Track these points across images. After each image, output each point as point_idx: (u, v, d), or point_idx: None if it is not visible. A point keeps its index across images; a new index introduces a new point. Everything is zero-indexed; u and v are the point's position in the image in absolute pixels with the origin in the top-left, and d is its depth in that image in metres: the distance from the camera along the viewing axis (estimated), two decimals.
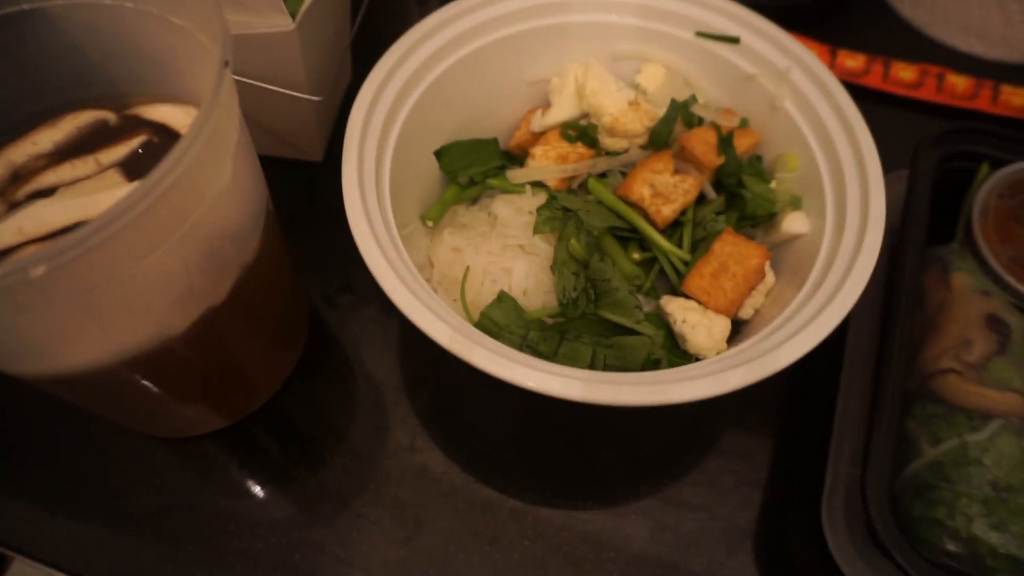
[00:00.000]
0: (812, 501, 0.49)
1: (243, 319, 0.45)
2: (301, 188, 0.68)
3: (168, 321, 0.39)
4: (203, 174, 0.34)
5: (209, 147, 0.33)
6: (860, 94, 0.55)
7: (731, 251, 0.49)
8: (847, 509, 0.47)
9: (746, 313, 0.51)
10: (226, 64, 0.33)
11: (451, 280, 0.53)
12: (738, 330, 0.51)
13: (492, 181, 0.59)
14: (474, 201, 0.61)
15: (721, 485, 0.53)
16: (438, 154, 0.58)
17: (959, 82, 0.71)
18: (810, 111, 0.52)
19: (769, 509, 0.52)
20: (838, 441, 0.49)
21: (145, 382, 0.43)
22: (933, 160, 0.56)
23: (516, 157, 0.62)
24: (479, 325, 0.48)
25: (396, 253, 0.45)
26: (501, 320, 0.48)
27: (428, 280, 0.54)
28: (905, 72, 0.72)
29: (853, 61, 0.73)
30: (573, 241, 0.49)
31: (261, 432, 0.56)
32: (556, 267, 0.49)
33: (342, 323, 0.61)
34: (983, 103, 0.71)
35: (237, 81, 0.55)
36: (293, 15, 0.51)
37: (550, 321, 0.50)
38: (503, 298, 0.49)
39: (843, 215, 0.48)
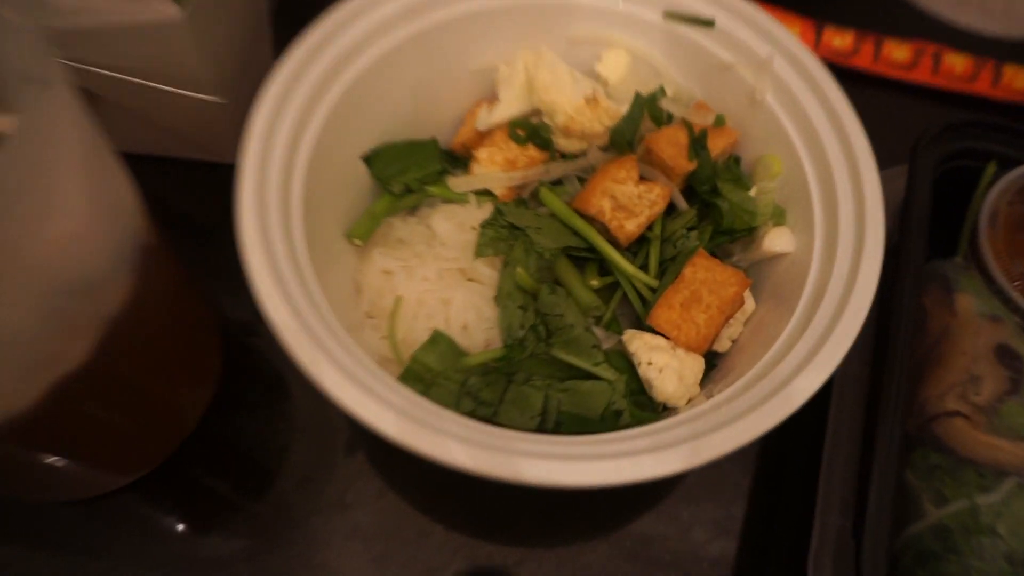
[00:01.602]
0: (796, 557, 0.43)
1: (118, 378, 0.37)
2: (215, 193, 0.59)
3: (4, 397, 0.31)
4: (9, 218, 0.26)
5: (17, 181, 0.25)
6: (848, 77, 0.48)
7: (704, 278, 0.42)
8: (838, 569, 0.41)
9: (722, 345, 0.44)
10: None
11: (381, 310, 0.46)
12: (712, 363, 0.44)
13: (431, 189, 0.51)
14: (413, 210, 0.53)
15: (694, 538, 0.46)
16: (367, 159, 0.50)
17: (957, 62, 0.64)
18: (795, 107, 0.45)
19: (748, 565, 0.46)
20: (826, 488, 0.43)
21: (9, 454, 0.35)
22: (933, 159, 0.49)
23: (461, 158, 0.54)
24: (409, 371, 0.40)
25: (303, 293, 0.37)
26: (435, 364, 0.41)
27: (358, 309, 0.46)
28: (898, 51, 0.64)
29: (840, 39, 0.65)
30: (520, 270, 0.42)
31: (165, 489, 0.48)
32: (500, 300, 0.42)
33: (264, 351, 0.54)
34: (983, 86, 0.64)
35: (121, 80, 0.47)
36: (182, 2, 0.42)
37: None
38: (437, 339, 0.41)
39: (835, 232, 0.41)
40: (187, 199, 0.62)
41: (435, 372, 0.41)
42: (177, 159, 0.58)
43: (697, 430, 0.33)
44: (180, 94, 0.46)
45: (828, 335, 0.37)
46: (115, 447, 0.44)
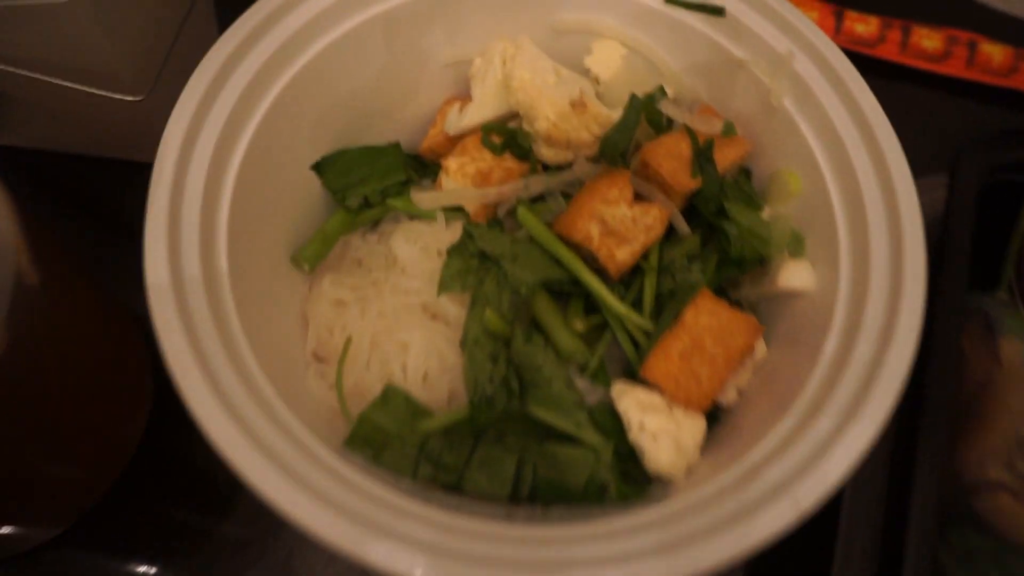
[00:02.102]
0: None
1: (28, 422, 0.31)
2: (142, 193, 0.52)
3: None
4: None
5: None
6: (871, 69, 0.40)
7: (709, 324, 0.35)
8: None
9: (727, 396, 0.37)
10: None
11: (331, 350, 0.39)
12: (715, 416, 0.38)
13: (394, 203, 0.44)
14: (375, 225, 0.46)
15: None
16: (318, 168, 0.43)
17: (995, 53, 0.57)
18: (818, 114, 0.38)
19: None
20: (843, 566, 0.37)
21: None
22: (976, 172, 0.42)
23: (429, 164, 0.47)
24: (356, 434, 0.34)
25: (221, 343, 0.30)
26: (388, 425, 0.34)
27: (304, 348, 0.40)
28: (929, 40, 0.57)
29: (864, 26, 0.58)
30: (490, 312, 0.35)
31: (112, 526, 0.43)
32: (467, 347, 0.35)
33: None
34: (1022, 80, 0.57)
35: (21, 75, 0.40)
36: None
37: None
38: (390, 396, 0.35)
39: (865, 266, 0.34)
40: (116, 199, 0.55)
41: (388, 434, 0.34)
42: (103, 158, 0.51)
43: (686, 533, 0.27)
44: (88, 92, 0.39)
45: (863, 399, 0.30)
46: (41, 494, 0.38)
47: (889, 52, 0.58)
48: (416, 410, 0.35)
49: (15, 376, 0.30)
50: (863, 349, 0.32)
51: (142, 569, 0.42)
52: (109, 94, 0.39)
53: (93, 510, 0.42)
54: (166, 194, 0.33)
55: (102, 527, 0.43)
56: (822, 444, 0.30)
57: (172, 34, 0.42)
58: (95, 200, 0.51)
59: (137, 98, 0.40)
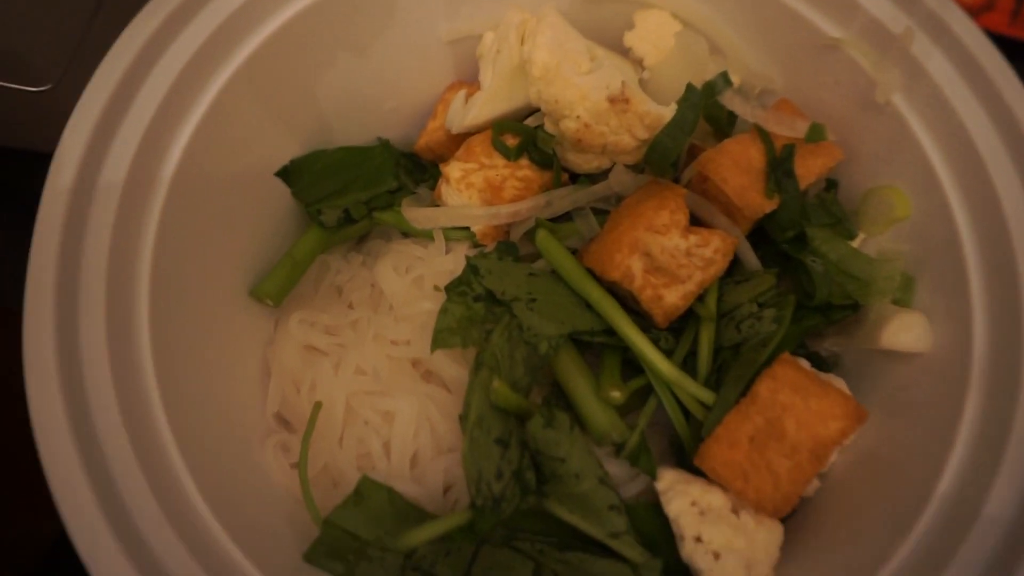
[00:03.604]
0: None
1: None
2: None
3: None
4: None
5: None
6: None
7: (791, 402, 0.26)
8: None
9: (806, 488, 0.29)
10: None
11: (298, 412, 0.31)
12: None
13: (381, 217, 0.35)
14: (359, 242, 0.38)
15: None
16: (285, 175, 0.34)
17: None
18: (944, 114, 0.28)
19: None
20: None
21: None
22: None
23: (428, 165, 0.38)
24: (320, 544, 0.26)
25: (126, 434, 0.22)
26: (364, 531, 0.26)
27: (264, 409, 0.31)
28: None
29: None
30: (498, 383, 0.27)
31: None
32: (467, 427, 0.27)
33: None
34: None
35: None
36: None
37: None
38: (368, 491, 0.26)
39: (1018, 326, 0.25)
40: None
41: (362, 541, 0.26)
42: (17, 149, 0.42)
43: None
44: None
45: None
46: None
47: (997, 22, 0.47)
48: (401, 511, 0.27)
49: None
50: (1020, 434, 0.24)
51: None
52: (10, 84, 0.30)
53: None
54: (59, 217, 0.25)
55: None
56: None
57: (88, 13, 0.33)
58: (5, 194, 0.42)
59: (43, 88, 0.31)
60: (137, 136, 0.27)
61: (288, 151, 0.34)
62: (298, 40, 0.31)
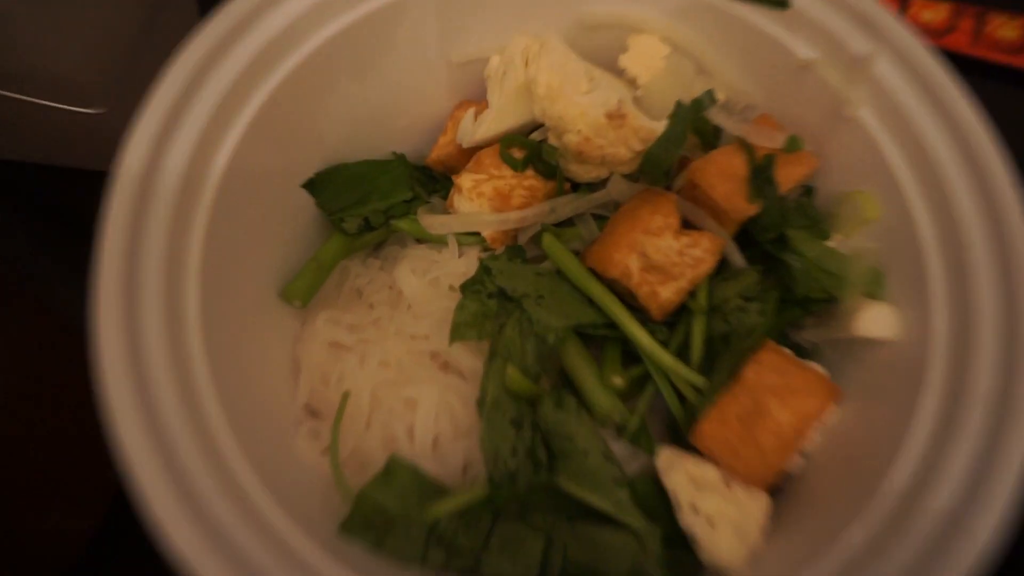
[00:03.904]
0: None
1: None
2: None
3: None
4: None
5: None
6: None
7: (774, 383, 0.29)
8: None
9: (790, 461, 0.32)
10: None
11: (326, 403, 0.34)
12: (775, 486, 0.32)
13: (398, 224, 0.38)
14: (377, 249, 0.41)
15: None
16: (311, 187, 0.37)
17: None
18: (904, 126, 0.32)
19: None
20: None
21: None
22: None
23: (439, 177, 0.42)
24: (355, 516, 0.28)
25: (186, 411, 0.25)
26: (392, 505, 0.29)
27: (294, 400, 0.34)
28: (1006, 29, 0.50)
29: (932, 13, 0.51)
30: (511, 369, 0.30)
31: None
32: (484, 411, 0.30)
33: None
34: None
35: None
36: None
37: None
38: (395, 469, 0.29)
39: (967, 314, 0.28)
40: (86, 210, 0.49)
41: (392, 515, 0.29)
42: (71, 168, 0.45)
43: None
44: (37, 104, 0.33)
45: (983, 478, 0.25)
46: None
47: (960, 43, 0.51)
48: (425, 487, 0.29)
49: None
50: (974, 416, 0.27)
51: None
52: (67, 107, 0.33)
53: None
54: (123, 228, 0.27)
55: None
56: (940, 537, 0.24)
57: (137, 40, 0.36)
58: (60, 211, 0.45)
59: (98, 111, 0.34)
60: (186, 154, 0.30)
61: (312, 165, 0.37)
62: (323, 66, 0.34)
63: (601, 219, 0.36)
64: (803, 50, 0.34)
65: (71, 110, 0.34)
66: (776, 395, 0.29)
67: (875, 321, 0.31)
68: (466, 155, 0.39)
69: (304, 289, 0.36)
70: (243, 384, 0.30)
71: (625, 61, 0.38)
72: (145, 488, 0.23)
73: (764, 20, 0.35)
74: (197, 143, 0.30)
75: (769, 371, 0.30)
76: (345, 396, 0.32)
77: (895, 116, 0.32)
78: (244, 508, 0.24)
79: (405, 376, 0.32)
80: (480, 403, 0.30)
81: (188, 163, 0.30)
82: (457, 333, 0.31)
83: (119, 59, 0.34)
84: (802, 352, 0.34)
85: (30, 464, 0.37)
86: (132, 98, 0.34)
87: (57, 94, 0.33)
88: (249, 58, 0.32)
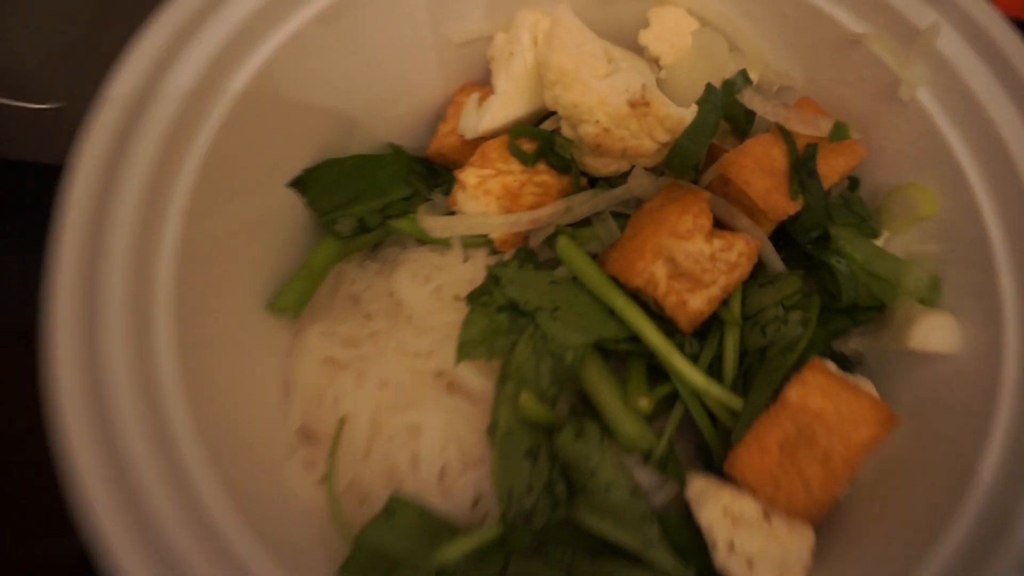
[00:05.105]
0: None
1: None
2: None
3: None
4: None
5: None
6: None
7: (821, 407, 0.26)
8: None
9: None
10: None
11: (320, 426, 0.31)
12: None
13: (396, 225, 0.35)
14: (375, 250, 0.37)
15: None
16: (299, 185, 0.33)
17: None
18: (973, 111, 0.28)
19: None
20: None
21: None
22: None
23: (440, 170, 0.38)
24: (352, 563, 0.26)
25: (157, 451, 0.22)
26: (395, 548, 0.26)
27: (285, 425, 0.31)
28: None
29: None
30: (525, 396, 0.26)
31: None
32: (496, 440, 0.27)
33: None
34: None
35: None
36: None
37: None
38: (397, 508, 0.26)
39: None
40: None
41: (394, 558, 0.26)
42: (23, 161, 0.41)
43: None
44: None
45: None
46: None
47: (1013, 7, 0.46)
48: (431, 526, 0.26)
49: None
50: None
51: None
52: (17, 103, 0.30)
53: None
54: (80, 234, 0.24)
55: None
56: None
57: (91, 29, 0.32)
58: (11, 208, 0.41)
59: (52, 106, 0.31)
60: (151, 150, 0.26)
61: (299, 162, 0.33)
62: (305, 48, 0.30)
63: (621, 217, 0.32)
64: (852, 22, 0.30)
65: (27, 107, 0.30)
66: (824, 422, 0.26)
67: (932, 333, 0.28)
68: (470, 146, 0.35)
69: (294, 299, 0.32)
70: (226, 409, 0.27)
71: (646, 38, 0.34)
72: (110, 543, 0.20)
73: None
74: (165, 139, 0.27)
75: (815, 393, 0.26)
76: (342, 422, 0.29)
77: (961, 98, 0.28)
78: (227, 563, 0.22)
79: (407, 398, 0.29)
80: (491, 431, 0.27)
81: (154, 161, 0.26)
82: (464, 352, 0.28)
83: (74, 50, 0.30)
84: (846, 363, 0.31)
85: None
86: (91, 90, 0.30)
87: (11, 90, 0.29)
88: (219, 43, 0.28)
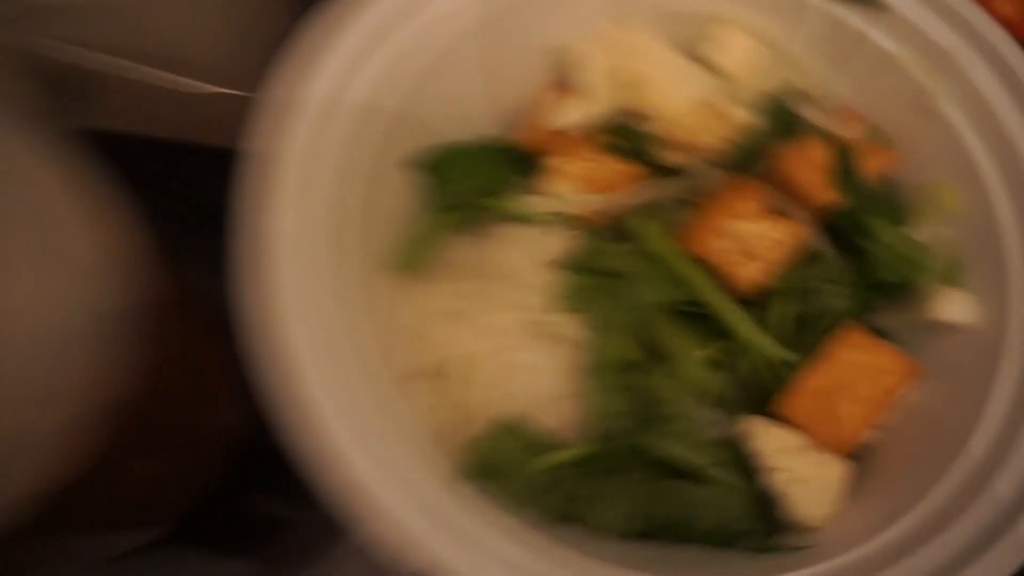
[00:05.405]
0: None
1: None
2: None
3: None
4: None
5: None
6: None
7: (858, 360, 0.32)
8: None
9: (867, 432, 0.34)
10: None
11: (428, 367, 0.36)
12: (851, 455, 0.35)
13: (494, 203, 0.40)
14: (473, 228, 0.43)
15: None
16: (432, 167, 0.39)
17: None
18: (987, 118, 0.34)
19: None
20: None
21: None
22: None
23: (530, 160, 0.44)
24: (469, 462, 0.31)
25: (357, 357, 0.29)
26: (504, 454, 0.32)
27: (400, 365, 0.37)
28: None
29: (1008, 3, 0.52)
30: (615, 338, 0.32)
31: (184, 546, 0.41)
32: (589, 377, 0.33)
33: None
34: None
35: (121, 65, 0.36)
36: None
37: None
38: (506, 423, 0.32)
39: None
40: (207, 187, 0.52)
41: (502, 464, 0.32)
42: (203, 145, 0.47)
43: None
44: (189, 85, 0.36)
45: None
46: (136, 495, 0.37)
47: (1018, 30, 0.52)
48: (535, 440, 0.32)
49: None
50: None
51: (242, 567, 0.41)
52: (213, 88, 0.36)
53: (194, 511, 0.40)
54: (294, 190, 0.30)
55: (204, 528, 0.41)
56: (1003, 516, 0.27)
57: (283, 19, 0.39)
58: (184, 188, 0.48)
59: (226, 90, 0.37)
60: (339, 146, 0.33)
61: (408, 146, 0.39)
62: (461, 48, 0.36)
63: (686, 204, 0.38)
64: (885, 42, 0.36)
65: (216, 91, 0.36)
66: (860, 371, 0.32)
67: (953, 306, 0.33)
68: (554, 139, 0.41)
69: (407, 260, 0.38)
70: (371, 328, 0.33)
71: (707, 51, 0.40)
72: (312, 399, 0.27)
73: (847, 12, 0.36)
74: (352, 132, 0.33)
75: (854, 348, 0.32)
76: (450, 360, 0.35)
77: (978, 109, 0.34)
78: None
79: (511, 342, 0.35)
80: (586, 368, 0.33)
81: (345, 150, 0.33)
82: (563, 303, 0.34)
83: (263, 42, 0.36)
84: (877, 334, 0.36)
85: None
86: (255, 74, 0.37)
87: (193, 71, 0.35)
88: (362, 39, 0.34)
